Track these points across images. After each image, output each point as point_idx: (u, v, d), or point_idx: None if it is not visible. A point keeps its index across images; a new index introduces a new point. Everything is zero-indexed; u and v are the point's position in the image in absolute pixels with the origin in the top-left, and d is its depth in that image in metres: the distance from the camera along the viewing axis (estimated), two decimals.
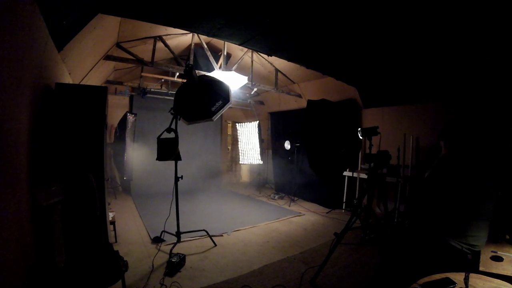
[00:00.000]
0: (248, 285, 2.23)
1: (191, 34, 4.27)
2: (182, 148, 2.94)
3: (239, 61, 4.73)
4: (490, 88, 3.08)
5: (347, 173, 4.61)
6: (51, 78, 2.09)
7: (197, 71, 4.01)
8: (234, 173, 8.04)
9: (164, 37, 4.08)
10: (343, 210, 4.66)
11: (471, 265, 1.50)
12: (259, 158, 6.66)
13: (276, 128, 6.85)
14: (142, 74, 5.17)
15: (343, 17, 2.29)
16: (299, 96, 5.85)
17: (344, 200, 4.72)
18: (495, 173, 1.71)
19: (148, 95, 5.67)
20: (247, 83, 4.75)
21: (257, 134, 6.66)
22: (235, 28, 2.60)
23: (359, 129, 2.59)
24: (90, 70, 3.47)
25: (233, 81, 4.38)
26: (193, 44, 4.34)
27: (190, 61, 4.32)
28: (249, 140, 6.94)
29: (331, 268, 2.50)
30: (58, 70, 2.28)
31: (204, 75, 4.04)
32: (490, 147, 2.95)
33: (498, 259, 1.57)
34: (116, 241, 3.01)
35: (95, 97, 2.17)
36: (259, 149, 6.63)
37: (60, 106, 2.02)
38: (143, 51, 4.09)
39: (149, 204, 4.87)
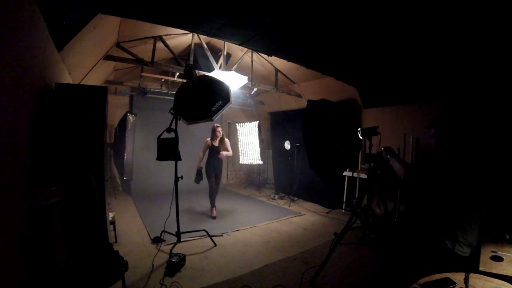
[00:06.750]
0: (248, 285, 2.23)
1: (191, 34, 4.27)
2: (182, 148, 2.94)
3: (239, 61, 4.73)
4: (490, 88, 3.08)
5: (347, 173, 4.61)
6: (51, 78, 2.08)
7: (197, 71, 4.01)
8: (234, 173, 8.04)
9: (164, 37, 4.08)
10: (343, 210, 4.66)
11: (465, 265, 1.49)
12: (259, 158, 6.65)
13: (276, 128, 6.85)
14: (142, 74, 5.16)
15: (343, 18, 2.29)
16: (299, 96, 5.85)
17: (344, 200, 4.72)
18: (486, 174, 1.71)
19: (148, 95, 5.67)
20: (247, 83, 4.74)
21: (257, 134, 6.65)
22: (235, 28, 2.60)
23: (359, 129, 2.58)
24: (90, 70, 3.47)
25: (233, 81, 4.38)
26: (193, 44, 4.34)
27: (190, 61, 4.32)
28: (249, 140, 6.93)
29: (331, 268, 2.50)
30: (58, 70, 2.28)
31: (204, 75, 4.04)
32: (488, 147, 2.95)
33: (498, 259, 1.57)
34: (116, 241, 3.01)
35: (95, 97, 2.17)
36: (259, 149, 6.62)
37: (60, 106, 2.02)
38: (143, 51, 4.09)
39: (149, 204, 4.87)
